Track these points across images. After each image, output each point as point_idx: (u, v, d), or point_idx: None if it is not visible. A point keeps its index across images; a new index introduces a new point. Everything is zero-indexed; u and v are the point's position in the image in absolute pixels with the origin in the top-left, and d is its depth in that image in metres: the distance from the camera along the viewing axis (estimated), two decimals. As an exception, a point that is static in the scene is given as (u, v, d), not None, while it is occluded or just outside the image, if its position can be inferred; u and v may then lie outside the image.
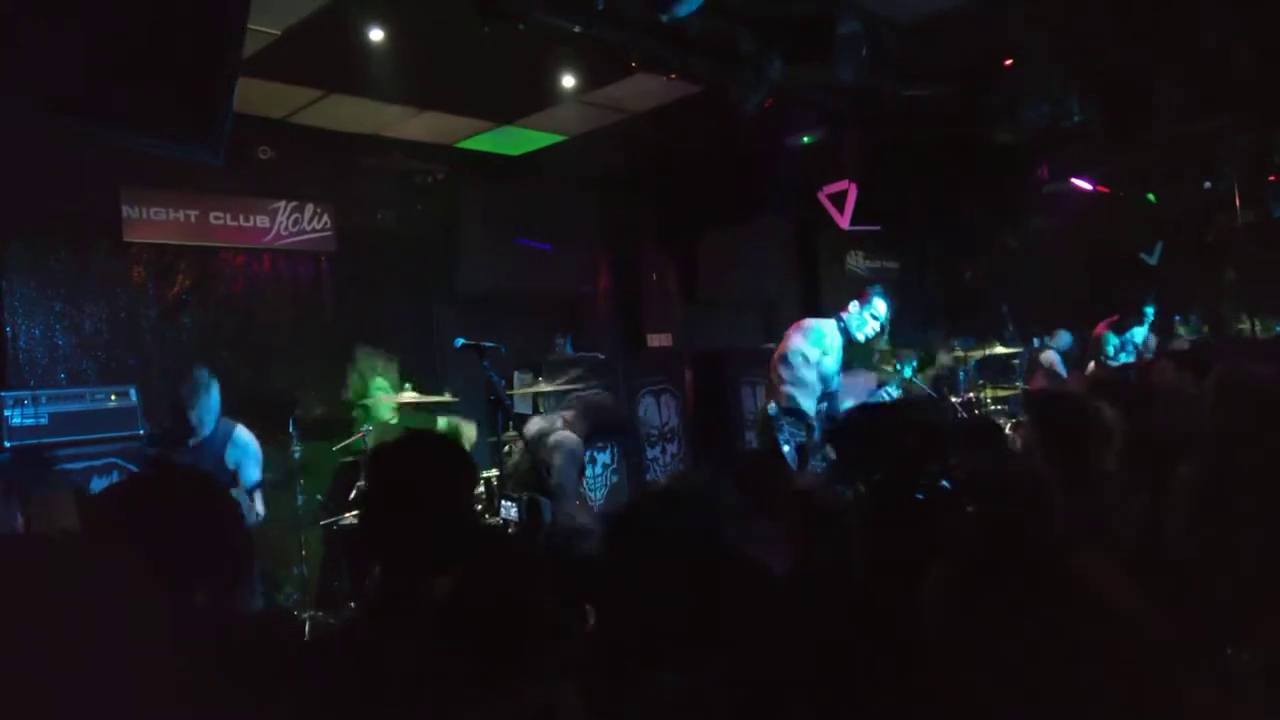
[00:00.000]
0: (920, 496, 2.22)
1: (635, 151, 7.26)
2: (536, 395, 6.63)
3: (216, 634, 1.60)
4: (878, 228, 8.07)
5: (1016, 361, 7.81)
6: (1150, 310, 7.59)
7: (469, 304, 7.03)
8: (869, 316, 5.63)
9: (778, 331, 6.33)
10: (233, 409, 5.33)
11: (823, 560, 2.33)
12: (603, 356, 7.27)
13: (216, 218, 6.06)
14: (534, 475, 4.60)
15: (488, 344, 4.56)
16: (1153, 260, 9.07)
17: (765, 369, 5.87)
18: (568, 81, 5.84)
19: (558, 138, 7.11)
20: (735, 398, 8.17)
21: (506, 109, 6.50)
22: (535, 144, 7.24)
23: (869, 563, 1.92)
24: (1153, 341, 7.59)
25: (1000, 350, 7.23)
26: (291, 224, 6.43)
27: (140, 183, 5.71)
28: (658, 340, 8.34)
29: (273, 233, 6.34)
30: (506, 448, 5.33)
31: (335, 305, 6.64)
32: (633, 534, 1.72)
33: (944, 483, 2.30)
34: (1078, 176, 8.05)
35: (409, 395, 5.33)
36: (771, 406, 5.42)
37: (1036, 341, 8.13)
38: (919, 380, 6.69)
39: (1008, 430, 5.45)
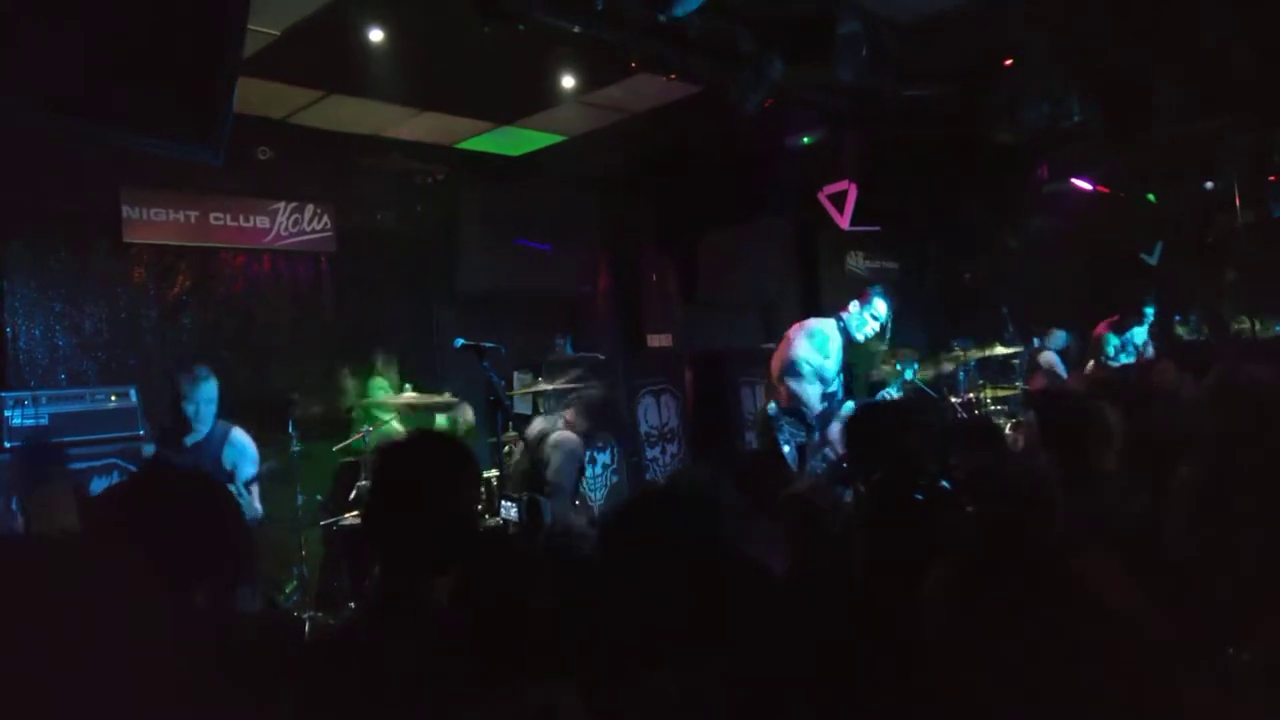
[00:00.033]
0: (920, 497, 2.22)
1: (635, 152, 7.26)
2: (536, 395, 6.63)
3: (217, 634, 1.60)
4: (878, 228, 8.07)
5: (1016, 362, 7.81)
6: (1150, 310, 7.59)
7: (469, 304, 7.03)
8: (869, 316, 5.63)
9: (778, 332, 6.32)
10: (233, 409, 5.32)
11: (823, 560, 2.33)
12: (603, 357, 7.27)
13: (216, 218, 6.06)
14: (534, 475, 4.60)
15: (487, 344, 4.55)
16: (1153, 260, 9.07)
17: (765, 369, 5.87)
18: (568, 82, 5.84)
19: (557, 138, 7.11)
20: (735, 398, 8.17)
21: (506, 109, 6.50)
22: (535, 144, 7.24)
23: (869, 563, 1.92)
24: (1150, 346, 7.59)
25: (1000, 350, 7.23)
26: (291, 224, 6.43)
27: (140, 183, 5.71)
28: (658, 341, 8.34)
29: (273, 233, 6.34)
30: (506, 448, 5.33)
31: (335, 306, 6.64)
32: (632, 534, 1.72)
33: (943, 483, 2.30)
34: (1078, 176, 8.05)
35: (409, 395, 5.32)
36: (771, 406, 5.42)
37: (1036, 342, 8.13)
38: (919, 381, 6.69)
39: (1007, 430, 5.46)
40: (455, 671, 1.57)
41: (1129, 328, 7.57)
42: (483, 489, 4.61)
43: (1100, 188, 8.21)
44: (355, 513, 4.70)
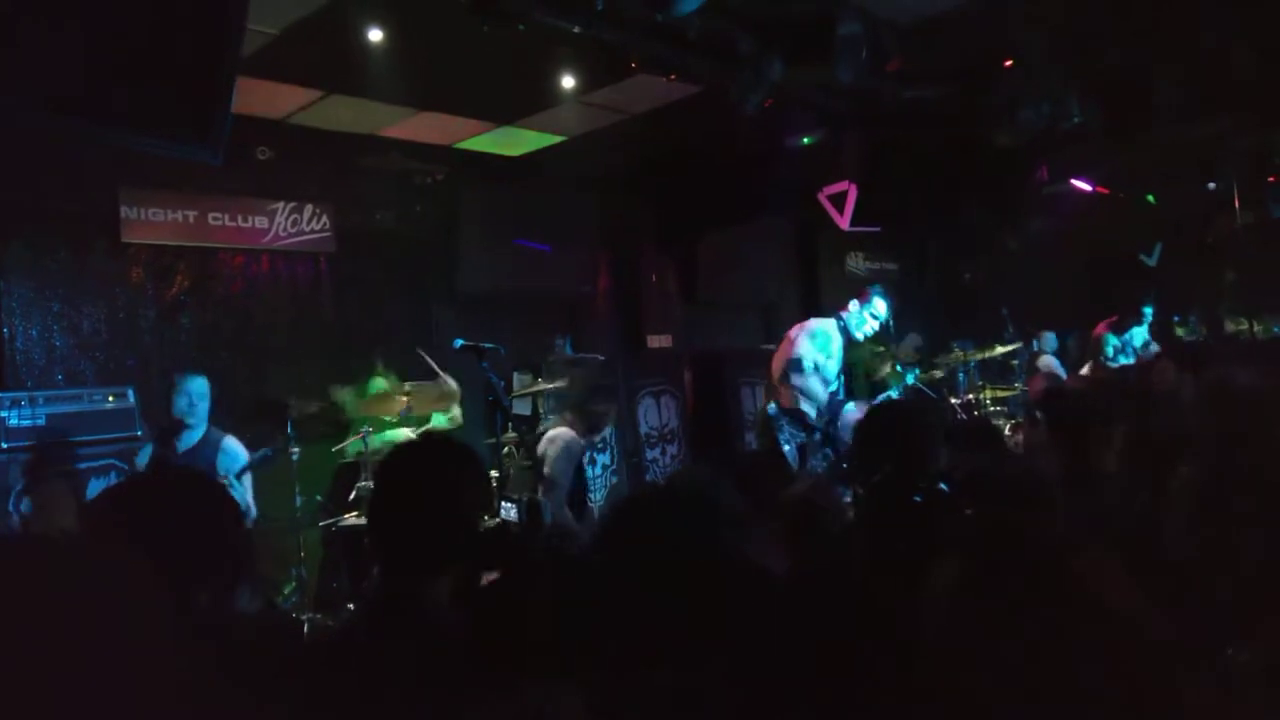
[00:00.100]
0: (918, 499, 2.22)
1: (635, 152, 7.26)
2: (536, 396, 6.63)
3: (216, 634, 1.60)
4: (877, 229, 8.07)
5: (1015, 363, 7.82)
6: (1149, 311, 7.60)
7: (468, 305, 7.03)
8: (869, 316, 5.64)
9: (778, 332, 6.33)
10: (231, 410, 5.33)
11: (823, 560, 2.33)
12: (602, 357, 7.27)
13: (215, 218, 6.06)
14: (536, 474, 4.61)
15: (487, 345, 4.55)
16: (1152, 261, 9.07)
17: (765, 370, 5.87)
18: (567, 82, 5.84)
19: (557, 138, 7.12)
20: (735, 399, 8.18)
21: (506, 110, 6.50)
22: (535, 145, 7.24)
23: (869, 563, 1.92)
24: (1153, 345, 7.60)
25: (999, 350, 7.24)
26: (290, 225, 6.42)
27: (139, 183, 5.71)
28: (657, 341, 8.35)
29: (271, 233, 6.33)
30: (506, 449, 5.33)
31: (334, 306, 6.63)
32: (632, 534, 1.71)
33: (941, 485, 2.30)
34: (1077, 177, 8.06)
35: (409, 385, 5.25)
36: (771, 406, 5.42)
37: (1036, 344, 8.14)
38: (919, 382, 6.70)
39: (1007, 431, 5.46)
40: (455, 671, 1.57)
41: (1128, 328, 7.58)
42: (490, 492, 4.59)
43: (1100, 189, 8.22)
44: (354, 514, 4.69)
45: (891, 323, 5.82)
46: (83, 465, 4.67)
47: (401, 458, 1.98)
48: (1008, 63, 5.91)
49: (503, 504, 4.41)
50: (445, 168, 6.94)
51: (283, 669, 1.68)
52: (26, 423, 4.60)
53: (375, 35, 4.94)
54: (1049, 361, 7.85)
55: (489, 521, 4.13)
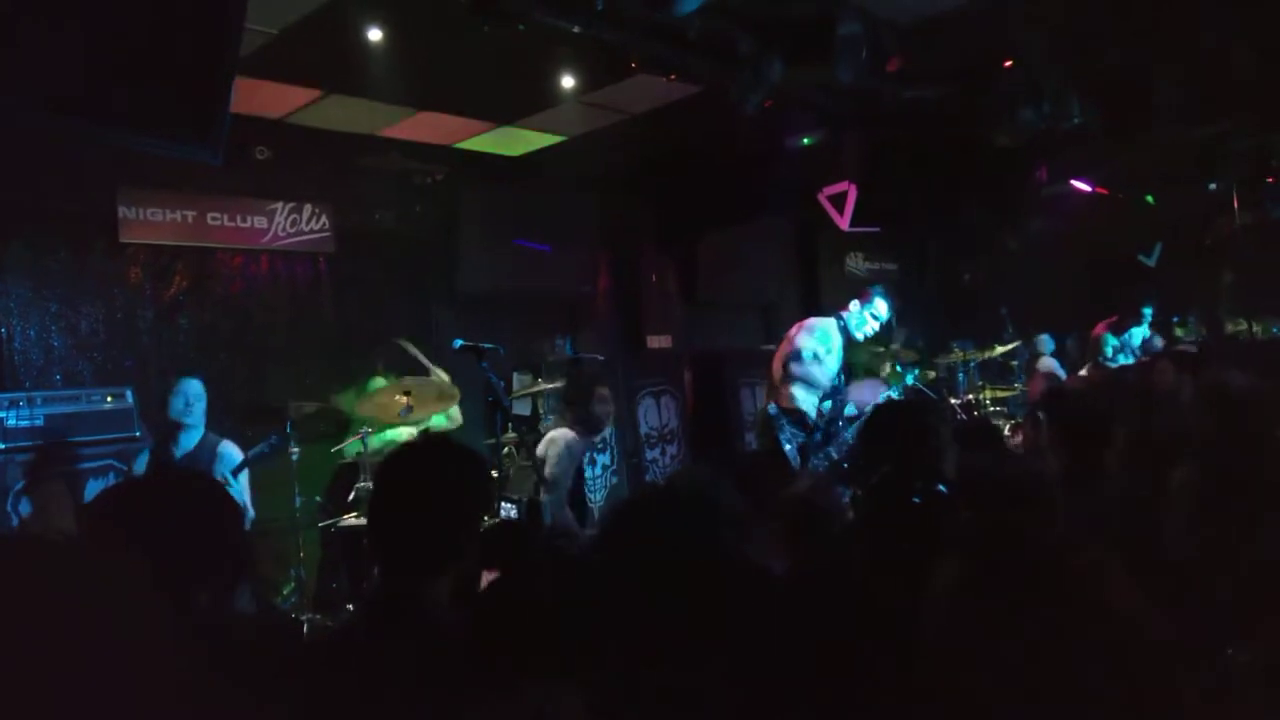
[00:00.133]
0: (917, 501, 2.22)
1: (635, 152, 7.26)
2: (535, 396, 6.63)
3: (216, 634, 1.60)
4: (877, 229, 8.08)
5: (1015, 363, 7.83)
6: (1149, 312, 7.61)
7: (468, 305, 7.03)
8: (869, 316, 5.63)
9: (778, 333, 6.32)
10: (230, 410, 5.33)
11: (823, 560, 2.33)
12: (602, 358, 7.27)
13: (214, 218, 6.05)
14: (534, 475, 4.60)
15: (486, 345, 4.55)
16: (1151, 262, 9.08)
17: (765, 370, 5.87)
18: (567, 82, 5.84)
19: (557, 138, 7.12)
20: (735, 399, 8.18)
21: (506, 110, 6.50)
22: (535, 145, 7.24)
23: (869, 563, 1.92)
24: (1158, 341, 7.60)
25: (998, 351, 7.25)
26: (289, 225, 6.42)
27: (137, 183, 5.70)
28: (657, 341, 8.35)
29: (270, 233, 6.33)
30: (505, 449, 5.33)
31: (333, 306, 6.62)
32: (632, 534, 1.71)
33: (940, 487, 2.30)
34: (1077, 178, 8.07)
35: (410, 381, 5.24)
36: (772, 407, 5.42)
37: (1036, 346, 8.15)
38: (919, 382, 6.70)
39: (1006, 431, 5.46)
40: (455, 671, 1.57)
41: (1127, 329, 7.59)
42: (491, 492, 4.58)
43: (1099, 189, 8.23)
44: (354, 514, 4.69)
45: (894, 323, 5.82)
46: (81, 466, 4.67)
47: (402, 458, 1.98)
48: (1008, 63, 5.91)
49: (503, 504, 4.41)
50: (445, 168, 6.94)
51: (282, 669, 1.68)
52: (25, 423, 4.60)
53: (375, 35, 4.94)
54: (1049, 363, 7.86)
55: (489, 521, 4.14)
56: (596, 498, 6.82)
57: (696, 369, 8.24)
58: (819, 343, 5.45)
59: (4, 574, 1.04)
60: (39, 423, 4.64)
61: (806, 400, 5.39)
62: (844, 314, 5.67)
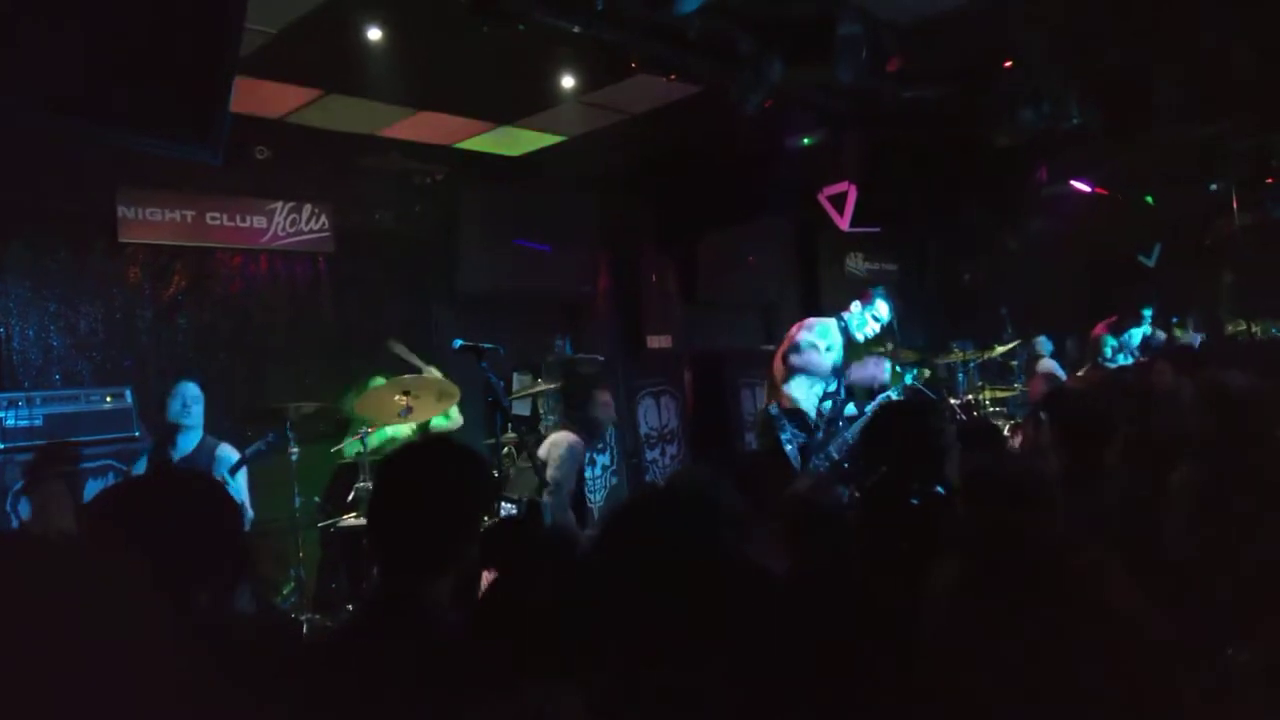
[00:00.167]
0: (915, 502, 2.22)
1: (635, 152, 7.26)
2: (535, 397, 6.62)
3: (216, 634, 1.60)
4: (877, 229, 8.08)
5: (1015, 363, 7.83)
6: (1148, 313, 7.62)
7: (468, 305, 7.02)
8: (870, 317, 5.63)
9: (778, 333, 6.32)
10: (229, 410, 5.32)
11: (823, 560, 2.33)
12: (602, 358, 7.27)
13: (213, 218, 6.05)
14: (537, 477, 4.59)
15: (486, 345, 4.54)
16: (1151, 263, 9.09)
17: (765, 370, 5.87)
18: (567, 82, 5.84)
19: (557, 138, 7.12)
20: (735, 399, 8.18)
21: (506, 109, 6.50)
22: (535, 145, 7.24)
23: (868, 563, 1.92)
24: (1160, 335, 7.61)
25: (998, 351, 7.25)
26: (289, 224, 6.42)
27: (137, 183, 5.69)
28: (657, 342, 8.35)
29: (270, 233, 6.33)
30: (505, 449, 5.32)
31: (333, 306, 6.62)
32: (632, 534, 1.71)
33: (938, 488, 2.30)
34: (1077, 178, 8.07)
35: (409, 380, 5.23)
36: (773, 407, 5.41)
37: (1035, 347, 8.15)
38: (918, 382, 6.70)
39: (1005, 432, 5.46)
40: (455, 671, 1.57)
41: (1126, 329, 7.60)
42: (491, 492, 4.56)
43: (1099, 189, 8.23)
44: (353, 515, 4.68)
45: (895, 325, 5.81)
46: (80, 466, 4.66)
47: (402, 458, 1.98)
48: (1008, 63, 5.91)
49: (503, 504, 4.40)
50: (445, 168, 6.93)
51: (282, 669, 1.68)
52: (24, 423, 4.60)
53: (374, 34, 4.93)
54: (1049, 364, 7.86)
55: (487, 523, 4.13)
56: (596, 498, 6.82)
57: (696, 369, 8.24)
58: (819, 337, 5.46)
59: (4, 574, 1.04)
60: (38, 423, 4.65)
61: (807, 399, 5.39)
62: (845, 315, 5.67)
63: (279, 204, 6.36)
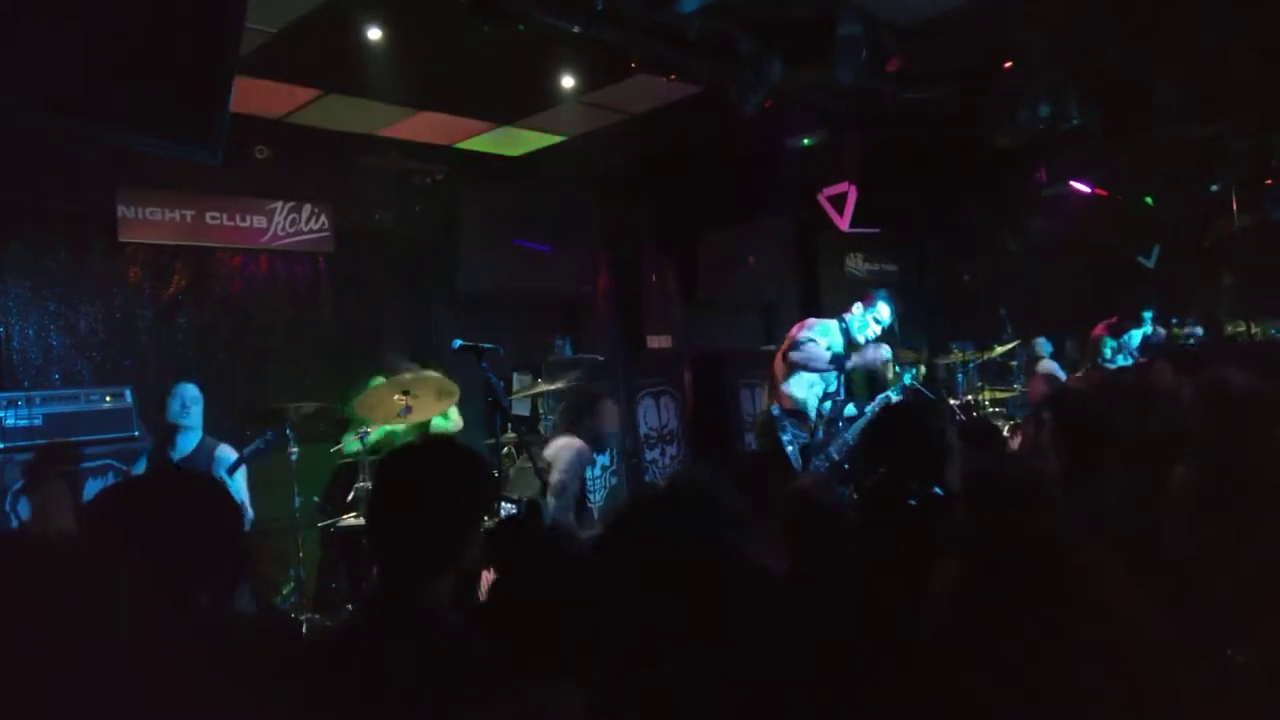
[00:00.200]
0: (913, 503, 2.22)
1: (635, 152, 7.27)
2: (535, 397, 6.62)
3: (216, 634, 1.60)
4: (877, 229, 8.08)
5: (1014, 364, 7.83)
6: (1148, 315, 7.63)
7: (468, 305, 7.02)
8: (871, 320, 5.63)
9: (778, 333, 6.33)
10: (229, 410, 5.32)
11: (823, 560, 2.33)
12: (602, 358, 7.27)
13: (213, 218, 6.05)
14: (540, 478, 4.59)
15: (486, 345, 4.54)
16: (1150, 264, 9.09)
17: (765, 370, 5.87)
18: (567, 82, 5.84)
19: (557, 138, 7.12)
20: (735, 399, 8.18)
21: (506, 110, 6.50)
22: (535, 145, 7.24)
23: (868, 563, 1.92)
24: (1161, 331, 7.61)
25: (997, 351, 7.25)
26: (289, 224, 6.42)
27: (137, 183, 5.70)
28: (657, 342, 8.35)
29: (270, 233, 6.33)
30: (505, 449, 5.32)
31: (333, 306, 6.63)
32: (632, 534, 1.71)
33: (936, 489, 2.30)
34: (1076, 179, 8.07)
35: (408, 379, 5.22)
36: (775, 408, 5.41)
37: (1034, 348, 8.15)
38: (916, 382, 6.70)
39: (1005, 432, 5.46)
40: (455, 671, 1.57)
41: (1126, 330, 7.60)
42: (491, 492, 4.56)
43: (1099, 190, 8.23)
44: (353, 514, 4.68)
45: (896, 327, 5.81)
46: (80, 466, 4.66)
47: (401, 458, 1.98)
48: (1008, 63, 5.91)
49: (503, 504, 4.40)
50: (445, 168, 6.94)
51: (282, 669, 1.68)
52: (24, 423, 4.60)
53: (374, 34, 4.93)
54: (1049, 365, 7.86)
55: (487, 523, 4.13)
56: (596, 498, 6.81)
57: (696, 369, 8.24)
58: (819, 335, 5.47)
59: (4, 573, 1.04)
60: (38, 422, 4.64)
61: (808, 399, 5.39)
62: (846, 316, 5.67)
63: (279, 204, 6.36)
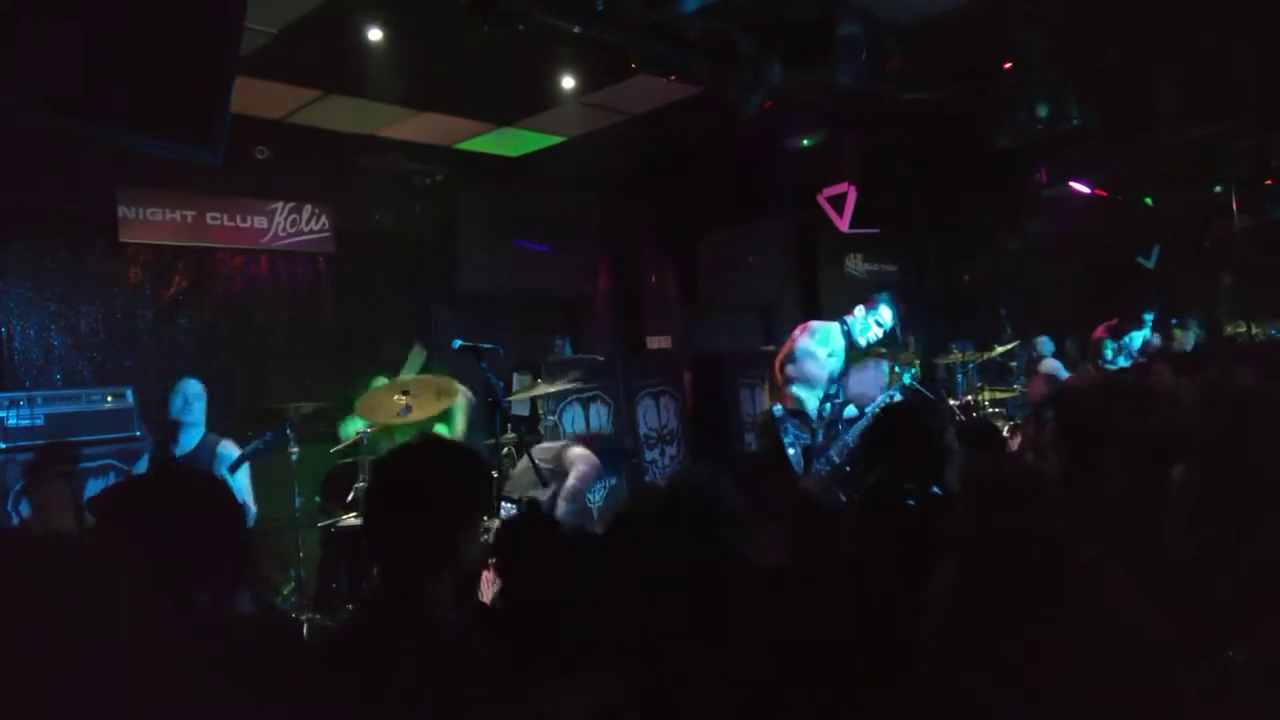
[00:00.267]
0: (912, 503, 2.22)
1: (635, 152, 7.27)
2: (535, 397, 6.62)
3: (216, 634, 1.60)
4: (877, 230, 8.08)
5: (1014, 364, 7.83)
6: (1149, 318, 7.63)
7: (468, 305, 7.03)
8: (874, 323, 5.62)
9: (777, 333, 6.33)
10: (229, 410, 5.32)
11: (823, 560, 2.33)
12: (601, 358, 7.27)
13: (214, 218, 6.06)
14: (553, 480, 4.61)
15: (486, 346, 4.54)
16: (1150, 264, 9.09)
17: (765, 370, 5.87)
18: (567, 83, 5.85)
19: (557, 139, 7.12)
20: (734, 400, 8.17)
21: (506, 110, 6.50)
22: (535, 145, 7.24)
23: (868, 563, 1.92)
24: (1156, 340, 7.62)
25: (997, 351, 7.25)
26: (289, 225, 6.42)
27: (137, 183, 5.70)
28: (657, 342, 8.34)
29: (270, 233, 6.33)
30: (505, 450, 5.32)
31: (333, 306, 6.63)
32: (632, 534, 1.72)
33: (935, 489, 2.30)
34: (1076, 180, 8.07)
35: (409, 380, 5.23)
36: (777, 408, 5.41)
37: (1035, 349, 8.15)
38: (915, 382, 6.69)
39: (1005, 433, 5.46)
40: (455, 671, 1.57)
41: (1126, 332, 7.61)
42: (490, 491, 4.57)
43: (1099, 191, 8.23)
44: (353, 514, 4.68)
45: (898, 330, 5.81)
46: (81, 465, 4.66)
47: (399, 458, 1.98)
48: (1008, 64, 5.92)
49: (502, 505, 4.40)
50: (445, 168, 6.94)
51: (284, 669, 1.68)
52: (25, 423, 4.60)
53: (374, 35, 4.94)
54: (1051, 364, 7.85)
55: (487, 523, 4.13)
56: (596, 498, 6.81)
57: (696, 370, 8.23)
58: (819, 344, 5.45)
59: (4, 573, 1.04)
60: (39, 422, 4.64)
61: (810, 400, 5.39)
62: (848, 319, 5.66)
63: (279, 204, 6.36)
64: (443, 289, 7.04)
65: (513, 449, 5.49)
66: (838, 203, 7.16)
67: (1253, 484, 2.14)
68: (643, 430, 7.67)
